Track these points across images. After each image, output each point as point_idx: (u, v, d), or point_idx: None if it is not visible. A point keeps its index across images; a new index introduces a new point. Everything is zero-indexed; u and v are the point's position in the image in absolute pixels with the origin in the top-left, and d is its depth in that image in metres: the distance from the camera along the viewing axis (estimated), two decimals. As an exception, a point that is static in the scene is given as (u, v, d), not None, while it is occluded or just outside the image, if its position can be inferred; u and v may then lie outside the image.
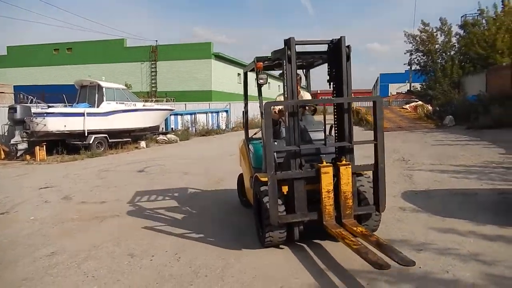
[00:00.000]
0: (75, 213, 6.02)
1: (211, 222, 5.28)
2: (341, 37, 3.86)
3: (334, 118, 4.07)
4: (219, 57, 31.03)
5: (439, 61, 27.29)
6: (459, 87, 24.51)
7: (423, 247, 3.91)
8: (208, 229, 4.94)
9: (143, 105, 16.69)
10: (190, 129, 21.07)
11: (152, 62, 30.70)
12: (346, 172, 3.77)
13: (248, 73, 5.55)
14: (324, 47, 4.14)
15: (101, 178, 9.23)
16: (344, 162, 3.85)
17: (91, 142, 13.82)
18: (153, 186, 7.91)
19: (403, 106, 24.84)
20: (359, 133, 15.16)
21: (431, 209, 5.14)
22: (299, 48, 3.98)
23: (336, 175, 3.79)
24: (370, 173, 4.08)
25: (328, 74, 4.10)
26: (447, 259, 3.68)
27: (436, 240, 4.14)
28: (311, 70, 5.47)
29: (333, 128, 4.18)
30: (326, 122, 4.09)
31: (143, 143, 16.11)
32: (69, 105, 14.87)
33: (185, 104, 23.40)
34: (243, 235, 4.63)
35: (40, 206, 6.61)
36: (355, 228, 3.69)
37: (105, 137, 14.52)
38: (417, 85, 32.18)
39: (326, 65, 4.25)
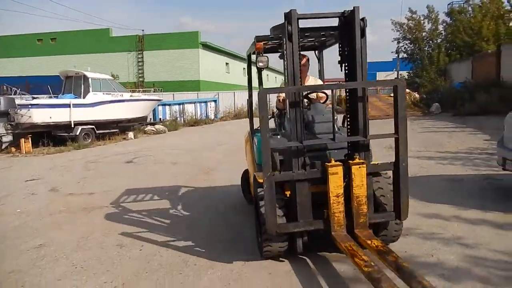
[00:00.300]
0: (63, 205, 5.98)
1: (203, 213, 5.30)
2: (354, 8, 3.19)
3: (346, 107, 3.45)
4: (207, 47, 30.76)
5: (426, 49, 27.50)
6: (445, 74, 24.77)
7: (408, 232, 3.98)
8: (199, 219, 4.96)
9: (130, 96, 16.51)
10: (179, 119, 20.94)
11: (139, 52, 30.29)
12: (359, 173, 3.13)
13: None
14: (334, 21, 3.47)
15: (89, 169, 9.15)
16: (357, 160, 3.18)
17: (77, 133, 13.65)
18: (142, 177, 7.88)
19: (391, 94, 25.01)
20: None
21: (417, 195, 5.23)
22: (303, 24, 3.38)
23: (348, 176, 3.19)
24: (390, 173, 3.45)
25: (340, 54, 3.49)
26: (432, 243, 3.76)
27: (421, 225, 4.23)
28: (324, 53, 4.79)
29: (346, 119, 3.54)
30: (341, 112, 3.58)
31: (131, 134, 15.97)
32: (54, 96, 14.63)
33: (173, 94, 23.21)
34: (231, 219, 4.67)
35: (26, 199, 6.54)
36: (369, 242, 3.06)
37: (92, 128, 14.36)
38: (404, 73, 32.41)
39: (337, 45, 3.62)
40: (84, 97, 14.18)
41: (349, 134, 3.44)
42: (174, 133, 17.74)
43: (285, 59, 3.20)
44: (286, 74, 3.23)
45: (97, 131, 14.54)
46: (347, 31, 3.30)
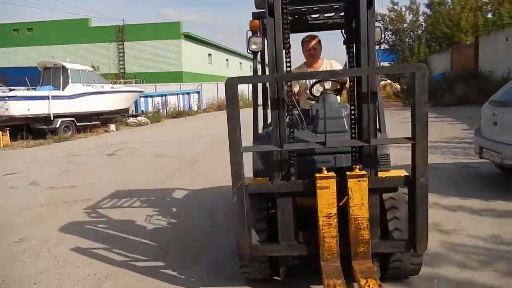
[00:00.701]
0: (44, 198, 5.87)
1: (185, 202, 5.30)
2: None
3: (350, 103, 2.67)
4: (189, 37, 30.40)
5: (407, 40, 27.83)
6: (426, 65, 25.13)
7: (389, 220, 4.06)
8: (182, 210, 4.96)
9: (111, 87, 16.27)
10: (161, 111, 20.75)
11: (119, 43, 29.71)
12: (358, 188, 2.38)
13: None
14: None
15: (70, 162, 9.00)
16: (356, 171, 2.40)
17: (57, 126, 13.39)
18: (124, 170, 7.80)
19: (384, 80, 25.30)
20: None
21: (398, 184, 5.34)
22: None
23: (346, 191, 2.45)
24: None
25: (344, 33, 2.93)
26: (412, 230, 3.85)
27: (402, 213, 4.32)
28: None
29: (349, 117, 2.68)
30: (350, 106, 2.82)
31: (112, 126, 15.76)
32: (32, 88, 14.28)
33: (155, 85, 22.94)
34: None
35: (5, 193, 6.40)
36: (363, 282, 2.34)
37: (73, 120, 14.11)
38: (386, 64, 32.76)
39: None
40: (63, 89, 13.91)
41: (353, 136, 2.60)
42: (157, 125, 17.58)
43: (267, 39, 2.56)
44: (269, 60, 2.58)
45: (77, 124, 14.30)
46: (351, 4, 2.63)
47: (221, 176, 5.86)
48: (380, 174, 2.64)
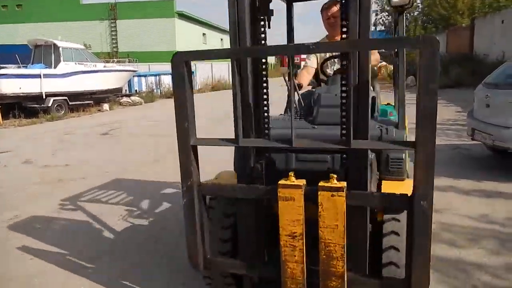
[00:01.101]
0: (38, 176, 5.87)
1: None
2: None
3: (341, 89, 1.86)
4: (183, 16, 29.92)
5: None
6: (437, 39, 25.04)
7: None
8: (176, 189, 5.00)
9: (104, 66, 16.08)
10: (155, 91, 20.60)
11: (112, 21, 29.17)
12: (332, 205, 1.72)
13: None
14: None
15: (63, 141, 8.96)
16: (332, 182, 1.71)
17: (49, 105, 13.25)
18: (118, 149, 7.79)
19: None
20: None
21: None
22: None
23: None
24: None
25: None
26: (403, 209, 3.93)
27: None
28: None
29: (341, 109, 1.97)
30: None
31: (106, 106, 15.64)
32: (23, 66, 14.06)
33: (149, 65, 22.69)
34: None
35: (-1, 171, 6.38)
36: None
37: (65, 99, 13.96)
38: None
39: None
40: (55, 67, 13.70)
41: (343, 134, 1.87)
42: (151, 104, 17.47)
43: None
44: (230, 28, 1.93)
45: (70, 103, 14.16)
46: None
47: (217, 158, 5.88)
48: (386, 185, 2.11)
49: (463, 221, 3.61)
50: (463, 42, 18.41)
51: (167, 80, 21.56)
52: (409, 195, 1.66)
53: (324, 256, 1.81)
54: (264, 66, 2.01)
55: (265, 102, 2.04)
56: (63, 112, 13.77)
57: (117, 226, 3.85)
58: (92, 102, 15.46)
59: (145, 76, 20.67)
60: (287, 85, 2.57)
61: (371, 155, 1.96)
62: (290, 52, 1.79)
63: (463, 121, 8.55)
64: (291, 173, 1.83)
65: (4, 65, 13.45)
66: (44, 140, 9.22)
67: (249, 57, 1.96)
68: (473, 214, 3.75)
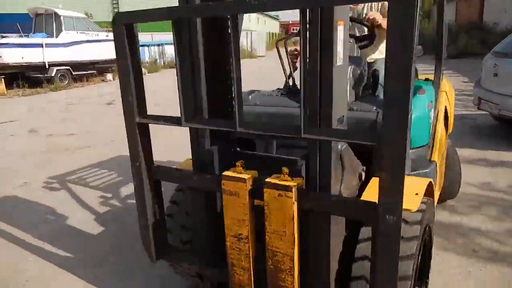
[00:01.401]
0: (44, 145, 5.93)
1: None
2: None
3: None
4: (186, -17, 29.16)
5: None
6: (429, 16, 24.45)
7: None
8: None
9: (106, 36, 15.83)
10: (158, 61, 20.40)
11: (113, -11, 28.54)
12: (279, 206, 1.42)
13: None
14: None
15: (68, 111, 8.98)
16: (282, 178, 1.42)
17: (53, 74, 13.18)
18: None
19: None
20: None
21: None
22: None
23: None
24: None
25: None
26: (407, 177, 3.95)
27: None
28: None
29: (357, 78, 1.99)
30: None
31: (109, 76, 15.54)
32: (25, 35, 13.90)
33: (152, 34, 22.36)
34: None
35: (5, 140, 6.44)
36: None
37: (68, 69, 13.86)
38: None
39: None
40: (57, 37, 13.54)
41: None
42: (155, 75, 17.35)
43: None
44: None
45: (73, 73, 14.07)
46: None
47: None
48: (374, 185, 1.60)
49: (466, 188, 3.63)
50: (473, 11, 17.94)
51: (170, 50, 21.28)
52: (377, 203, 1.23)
53: (271, 267, 1.51)
54: (231, 31, 1.38)
55: (231, 75, 1.50)
56: (66, 82, 13.71)
57: (122, 191, 3.92)
58: (95, 72, 15.36)
59: (148, 46, 20.43)
60: (280, 58, 2.45)
61: (342, 146, 1.55)
62: (233, 10, 1.34)
63: (469, 91, 8.44)
64: (239, 163, 1.52)
65: (5, 35, 13.31)
66: (48, 109, 9.24)
67: (191, 17, 1.65)
68: (476, 182, 3.78)
